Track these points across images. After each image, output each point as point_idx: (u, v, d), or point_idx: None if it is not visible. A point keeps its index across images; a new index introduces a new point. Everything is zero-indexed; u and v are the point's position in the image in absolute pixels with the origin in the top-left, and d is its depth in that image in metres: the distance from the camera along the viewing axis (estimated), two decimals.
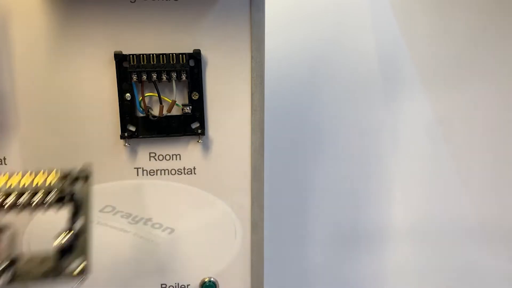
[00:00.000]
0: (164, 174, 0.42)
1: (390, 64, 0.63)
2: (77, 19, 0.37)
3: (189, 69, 0.39)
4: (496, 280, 0.75)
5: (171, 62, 0.38)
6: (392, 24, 0.62)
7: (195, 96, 0.40)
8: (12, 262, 0.27)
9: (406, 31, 0.62)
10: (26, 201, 0.27)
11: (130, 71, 0.38)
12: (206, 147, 0.42)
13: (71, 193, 0.28)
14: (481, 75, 0.65)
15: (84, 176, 0.29)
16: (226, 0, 0.38)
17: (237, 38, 0.39)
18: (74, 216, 0.28)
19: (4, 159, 0.40)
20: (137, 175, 0.42)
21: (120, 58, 0.38)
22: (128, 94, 0.39)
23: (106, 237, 0.42)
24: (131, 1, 0.37)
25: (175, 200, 0.43)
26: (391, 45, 0.62)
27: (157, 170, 0.42)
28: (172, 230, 0.43)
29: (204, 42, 0.39)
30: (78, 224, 0.27)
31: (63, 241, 0.27)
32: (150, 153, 0.41)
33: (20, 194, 0.27)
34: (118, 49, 0.38)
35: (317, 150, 0.66)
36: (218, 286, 0.45)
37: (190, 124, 0.40)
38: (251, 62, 0.40)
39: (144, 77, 0.38)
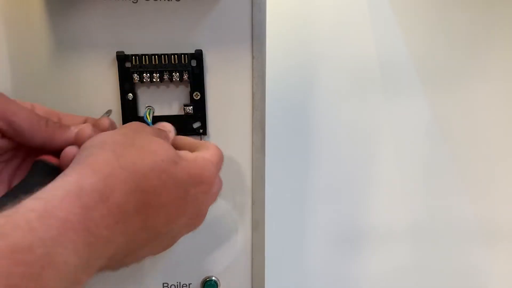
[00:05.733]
0: None
1: (390, 64, 0.63)
2: (79, 19, 0.37)
3: (191, 69, 0.39)
4: (496, 280, 0.75)
5: (173, 62, 0.39)
6: (391, 24, 0.62)
7: (197, 96, 0.40)
8: None
9: (405, 30, 0.62)
10: None
11: (132, 71, 0.38)
12: None
13: None
14: (481, 75, 0.65)
15: None
16: (227, 1, 0.38)
17: (238, 38, 0.40)
18: None
19: None
20: None
21: (122, 58, 0.38)
22: (130, 94, 0.39)
23: None
24: (133, 2, 0.38)
25: None
26: (391, 44, 0.63)
27: None
28: None
29: (205, 42, 0.39)
30: None
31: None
32: None
33: None
34: (120, 49, 0.38)
35: (318, 149, 0.66)
36: (220, 285, 0.45)
37: (192, 124, 0.41)
38: (252, 62, 0.40)
39: (146, 77, 0.38)
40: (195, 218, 0.33)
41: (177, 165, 0.30)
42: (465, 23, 0.63)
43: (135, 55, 0.38)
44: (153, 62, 0.38)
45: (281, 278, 0.71)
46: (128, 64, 0.38)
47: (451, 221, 0.72)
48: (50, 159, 0.32)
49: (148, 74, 0.38)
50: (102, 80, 0.39)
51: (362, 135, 0.66)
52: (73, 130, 0.33)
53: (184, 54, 0.39)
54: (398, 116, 0.66)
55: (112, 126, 0.36)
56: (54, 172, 0.31)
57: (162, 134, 0.35)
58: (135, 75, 0.38)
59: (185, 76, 0.39)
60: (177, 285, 0.45)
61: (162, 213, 0.29)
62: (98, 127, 0.34)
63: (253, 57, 0.40)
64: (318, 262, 0.72)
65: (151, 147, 0.30)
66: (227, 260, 0.45)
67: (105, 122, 0.35)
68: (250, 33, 0.40)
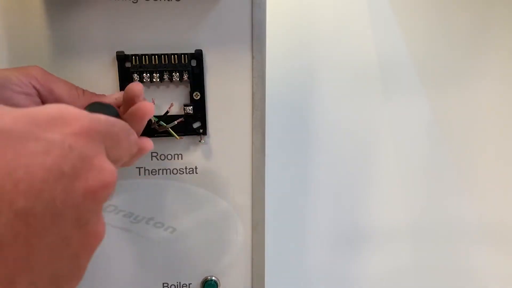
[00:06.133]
0: (166, 174, 0.42)
1: (390, 64, 0.63)
2: (79, 19, 0.37)
3: (191, 69, 0.39)
4: (496, 280, 0.75)
5: (173, 62, 0.39)
6: (391, 24, 0.62)
7: (197, 96, 0.40)
8: None
9: (405, 30, 0.62)
10: None
11: (132, 71, 0.38)
12: (208, 147, 0.42)
13: None
14: (481, 75, 0.65)
15: None
16: (227, 1, 0.38)
17: (238, 38, 0.40)
18: None
19: None
20: (139, 174, 0.42)
21: (122, 58, 0.38)
22: None
23: (108, 236, 0.43)
24: (133, 2, 0.38)
25: (176, 200, 0.43)
26: (391, 45, 0.63)
27: (159, 170, 0.42)
28: (174, 229, 0.43)
29: (205, 42, 0.39)
30: None
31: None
32: (152, 152, 0.41)
33: None
34: (120, 49, 0.38)
35: (318, 149, 0.66)
36: (220, 285, 0.45)
37: (191, 124, 0.41)
38: (252, 62, 0.40)
39: (146, 77, 0.38)
40: (84, 172, 0.20)
41: None
42: (465, 23, 0.63)
43: (135, 55, 0.38)
44: (153, 62, 0.38)
45: (281, 278, 0.71)
46: (128, 64, 0.38)
47: (451, 221, 0.72)
48: (104, 99, 0.34)
49: (148, 74, 0.39)
50: (102, 80, 0.39)
51: (362, 134, 0.66)
52: (109, 97, 0.35)
53: (184, 54, 0.39)
54: (398, 116, 0.66)
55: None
56: (111, 108, 0.32)
57: None
58: (135, 75, 0.38)
59: (185, 76, 0.39)
60: (177, 285, 0.45)
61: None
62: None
63: (253, 57, 0.40)
64: (318, 262, 0.72)
65: None
66: (227, 260, 0.45)
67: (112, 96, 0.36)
68: (250, 33, 0.40)
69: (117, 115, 0.33)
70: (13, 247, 0.18)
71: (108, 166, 0.21)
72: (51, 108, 0.20)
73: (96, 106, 0.32)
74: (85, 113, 0.21)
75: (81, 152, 0.20)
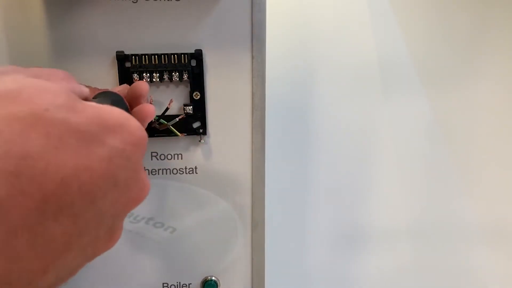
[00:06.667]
0: (166, 174, 0.42)
1: (390, 64, 0.63)
2: (79, 19, 0.37)
3: (191, 69, 0.39)
4: (496, 280, 0.75)
5: (173, 62, 0.39)
6: (391, 24, 0.62)
7: (197, 96, 0.40)
8: None
9: (405, 30, 0.62)
10: None
11: (132, 71, 0.38)
12: (208, 147, 0.42)
13: None
14: (481, 75, 0.65)
15: None
16: (227, 1, 0.39)
17: (238, 38, 0.40)
18: None
19: None
20: None
21: (122, 58, 0.38)
22: None
23: None
24: (133, 2, 0.38)
25: (176, 200, 0.43)
26: (391, 45, 0.63)
27: (158, 170, 0.42)
28: (174, 229, 0.43)
29: (205, 42, 0.39)
30: None
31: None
32: (152, 152, 0.41)
33: None
34: (120, 49, 0.38)
35: (318, 150, 0.66)
36: (219, 285, 0.45)
37: (191, 123, 0.41)
38: (252, 62, 0.40)
39: (146, 77, 0.38)
40: (132, 184, 0.21)
41: (76, 113, 0.19)
42: (465, 23, 0.63)
43: (135, 55, 0.38)
44: (153, 62, 0.38)
45: (281, 278, 0.71)
46: (128, 64, 0.38)
47: (451, 221, 0.72)
48: (113, 90, 0.33)
49: (148, 74, 0.39)
50: (102, 80, 0.39)
51: (362, 135, 0.66)
52: (114, 90, 0.34)
53: (184, 54, 0.39)
54: (398, 116, 0.66)
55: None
56: (122, 102, 0.32)
57: (52, 77, 0.25)
58: (135, 75, 0.38)
59: (185, 76, 0.39)
60: (177, 285, 0.45)
61: (74, 183, 0.18)
62: None
63: (253, 57, 0.40)
64: (318, 262, 0.72)
65: (23, 94, 0.18)
66: (227, 260, 0.45)
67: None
68: (250, 33, 0.40)
69: (127, 109, 0.32)
70: (57, 242, 0.18)
71: (148, 181, 0.23)
72: (117, 113, 0.21)
73: (108, 96, 0.30)
74: (139, 124, 0.22)
75: (134, 164, 0.21)
